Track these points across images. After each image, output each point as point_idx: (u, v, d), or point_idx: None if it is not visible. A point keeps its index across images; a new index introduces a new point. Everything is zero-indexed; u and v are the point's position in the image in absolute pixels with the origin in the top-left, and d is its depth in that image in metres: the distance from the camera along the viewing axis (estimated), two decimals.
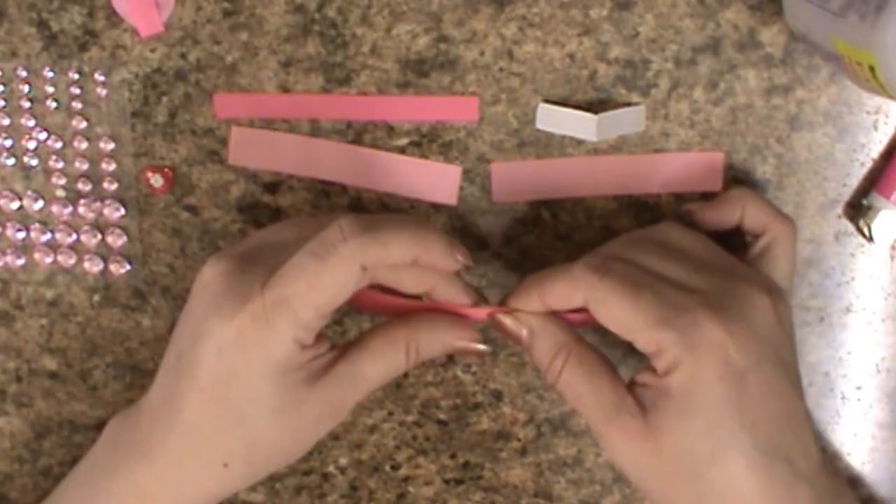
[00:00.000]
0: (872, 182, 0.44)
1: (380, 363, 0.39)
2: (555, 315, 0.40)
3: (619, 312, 0.36)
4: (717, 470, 0.35)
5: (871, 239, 0.44)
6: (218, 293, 0.37)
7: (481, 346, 0.40)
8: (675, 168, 0.44)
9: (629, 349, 0.43)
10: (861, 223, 0.44)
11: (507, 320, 0.40)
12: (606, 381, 0.38)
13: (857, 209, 0.44)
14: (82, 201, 0.46)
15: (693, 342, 0.35)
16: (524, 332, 0.39)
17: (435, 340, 0.40)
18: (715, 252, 0.39)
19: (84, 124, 0.45)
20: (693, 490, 0.36)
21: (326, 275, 0.36)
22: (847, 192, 0.45)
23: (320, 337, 0.38)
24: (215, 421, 0.37)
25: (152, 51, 0.44)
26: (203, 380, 0.37)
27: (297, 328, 0.36)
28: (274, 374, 0.37)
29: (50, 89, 0.45)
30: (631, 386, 0.38)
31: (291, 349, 0.37)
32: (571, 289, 0.38)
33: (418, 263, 0.38)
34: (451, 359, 0.47)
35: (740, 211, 0.41)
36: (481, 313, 0.40)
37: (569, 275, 0.38)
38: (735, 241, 0.42)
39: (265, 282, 0.37)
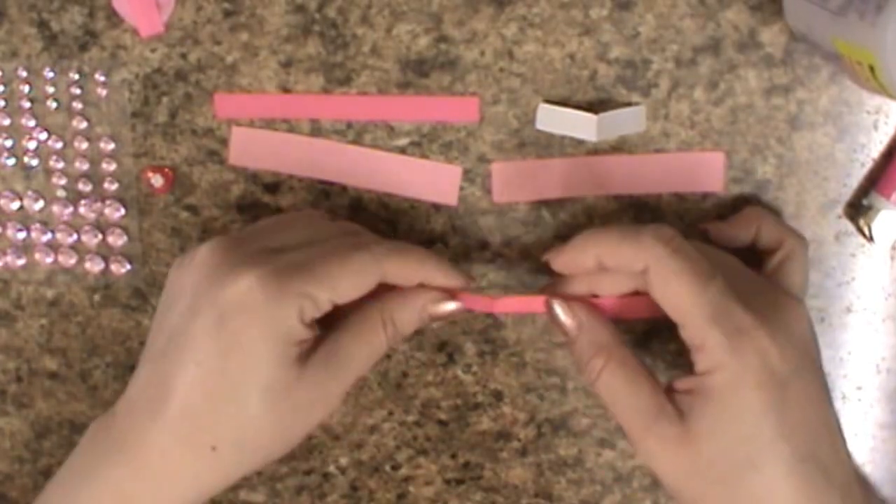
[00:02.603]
0: (873, 182, 0.44)
1: (361, 342, 0.39)
2: (595, 303, 0.40)
3: (680, 294, 0.36)
4: (755, 476, 0.35)
5: (871, 239, 0.44)
6: (218, 264, 0.37)
7: (451, 305, 0.41)
8: (675, 168, 0.44)
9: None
10: (861, 223, 0.44)
11: (559, 310, 0.40)
12: (646, 387, 0.38)
13: (858, 209, 0.44)
14: (83, 201, 0.46)
15: (739, 347, 0.35)
16: (573, 325, 0.39)
17: (407, 310, 0.40)
18: (742, 267, 0.40)
19: (84, 124, 0.45)
20: (730, 495, 0.36)
21: (354, 264, 0.38)
22: (847, 192, 0.44)
23: (312, 324, 0.38)
24: (207, 399, 0.37)
25: (153, 51, 0.44)
26: (201, 353, 0.36)
27: (306, 299, 0.37)
28: (275, 342, 0.36)
29: (50, 89, 0.45)
30: (668, 391, 0.38)
31: (294, 319, 0.37)
32: (636, 253, 0.37)
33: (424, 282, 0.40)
34: (451, 359, 0.47)
35: (755, 229, 0.42)
36: (538, 301, 0.40)
37: (637, 239, 0.37)
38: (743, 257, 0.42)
39: (273, 253, 0.37)
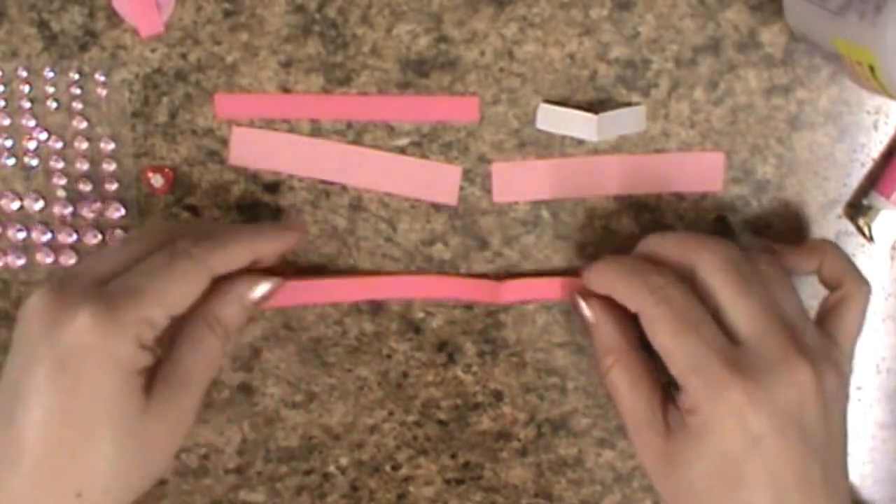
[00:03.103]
0: (872, 182, 0.44)
1: (194, 351, 0.39)
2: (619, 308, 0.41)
3: (662, 341, 0.38)
4: None
5: (871, 239, 0.44)
6: (49, 308, 0.36)
7: (269, 283, 0.41)
8: (675, 168, 0.44)
9: None
10: (861, 223, 0.44)
11: (581, 304, 0.42)
12: (645, 394, 0.40)
13: (858, 209, 0.44)
14: (83, 202, 0.46)
15: (714, 396, 0.36)
16: (591, 321, 0.42)
17: (227, 305, 0.40)
18: (788, 293, 0.39)
19: (84, 124, 0.45)
20: None
21: (178, 273, 0.37)
22: (847, 192, 0.45)
23: (153, 346, 0.38)
24: (61, 445, 0.36)
25: (153, 51, 0.44)
26: (47, 399, 0.35)
27: (142, 322, 0.36)
28: (118, 374, 0.36)
29: (50, 89, 0.45)
30: (667, 403, 0.39)
31: (134, 345, 0.36)
32: (628, 297, 0.39)
33: (259, 261, 0.41)
34: (451, 359, 0.47)
35: (819, 261, 0.42)
36: (551, 285, 0.44)
37: (630, 284, 0.39)
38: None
39: (101, 283, 0.37)
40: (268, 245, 0.41)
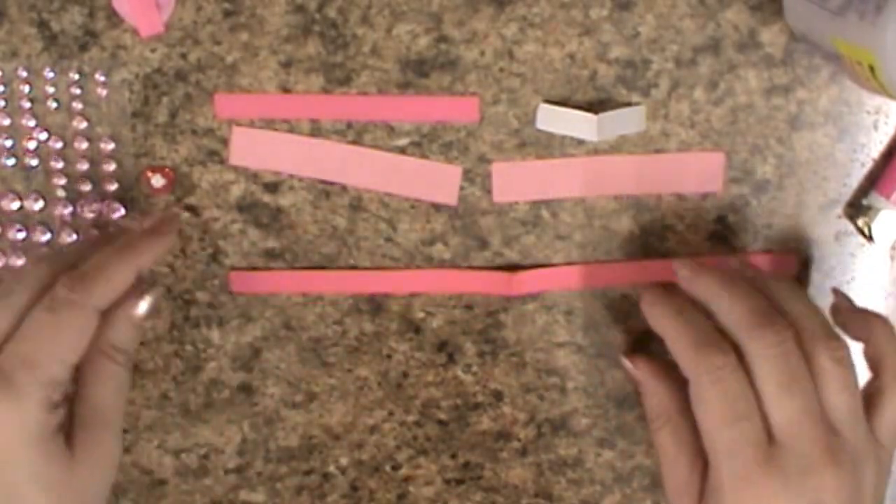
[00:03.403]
0: (872, 182, 0.44)
1: (102, 385, 0.39)
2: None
3: (704, 420, 0.38)
4: None
5: (871, 239, 0.44)
6: None
7: (151, 296, 0.40)
8: (675, 168, 0.44)
9: None
10: (861, 223, 0.44)
11: (630, 367, 0.44)
12: (688, 459, 0.40)
13: (857, 209, 0.44)
14: (83, 202, 0.46)
15: (741, 488, 0.37)
16: (640, 379, 0.43)
17: (119, 330, 0.39)
18: (839, 390, 0.38)
19: (84, 125, 0.45)
20: None
21: (64, 324, 0.36)
22: (847, 192, 0.45)
23: (61, 401, 0.37)
24: None
25: (153, 51, 0.44)
26: None
27: (45, 386, 0.36)
28: (33, 443, 0.36)
29: (50, 90, 0.45)
30: (707, 471, 0.39)
31: (43, 410, 0.36)
32: (686, 363, 0.39)
33: (146, 268, 0.40)
34: (451, 359, 0.47)
35: (865, 336, 0.41)
36: (568, 274, 0.44)
37: (692, 354, 0.39)
38: None
39: None
40: (145, 258, 0.40)
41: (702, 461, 0.40)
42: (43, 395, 0.36)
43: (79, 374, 0.39)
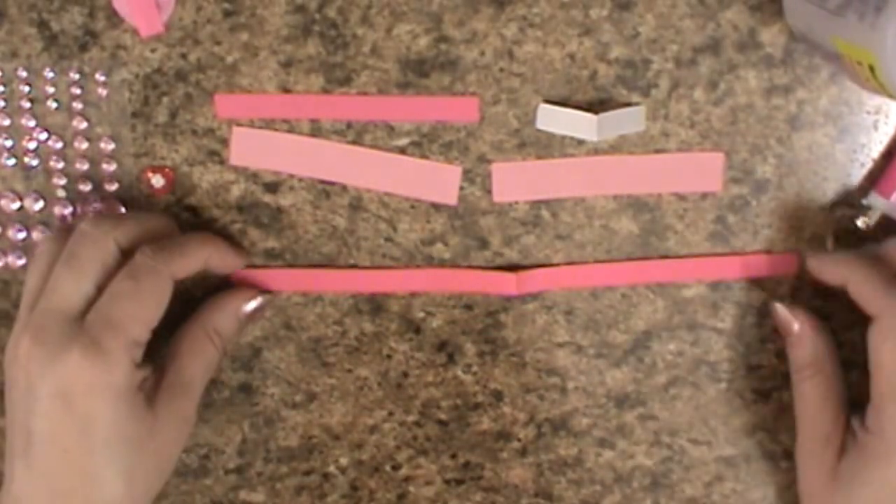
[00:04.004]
0: (872, 182, 0.44)
1: (195, 360, 0.43)
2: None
3: (886, 354, 0.38)
4: None
5: (871, 239, 0.44)
6: (35, 357, 0.38)
7: (261, 298, 0.45)
8: (674, 168, 0.44)
9: None
10: (861, 224, 0.44)
11: (786, 314, 0.43)
12: (833, 412, 0.41)
13: (857, 209, 0.44)
14: (83, 202, 0.46)
15: None
16: (795, 328, 0.43)
17: (224, 317, 0.44)
18: None
19: (84, 125, 0.45)
20: None
21: (146, 291, 0.39)
22: (848, 193, 0.44)
23: (142, 361, 0.40)
24: (84, 476, 0.38)
25: (153, 51, 0.44)
26: (61, 440, 0.38)
27: (130, 346, 0.39)
28: (121, 400, 0.38)
29: (50, 90, 0.45)
30: (848, 425, 0.40)
31: (128, 368, 0.39)
32: (873, 295, 0.39)
33: (208, 266, 0.43)
34: (451, 359, 0.47)
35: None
36: (586, 273, 0.45)
37: (881, 284, 0.39)
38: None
39: (77, 319, 0.39)
40: (217, 256, 0.43)
41: (845, 415, 0.40)
42: (127, 355, 0.38)
43: (175, 344, 0.43)
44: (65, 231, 0.42)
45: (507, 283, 0.45)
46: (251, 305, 0.45)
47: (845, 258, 0.41)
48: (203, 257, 0.42)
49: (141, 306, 0.39)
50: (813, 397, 0.41)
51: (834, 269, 0.41)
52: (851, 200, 0.45)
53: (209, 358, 0.43)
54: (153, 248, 0.40)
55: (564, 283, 0.45)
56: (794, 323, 0.43)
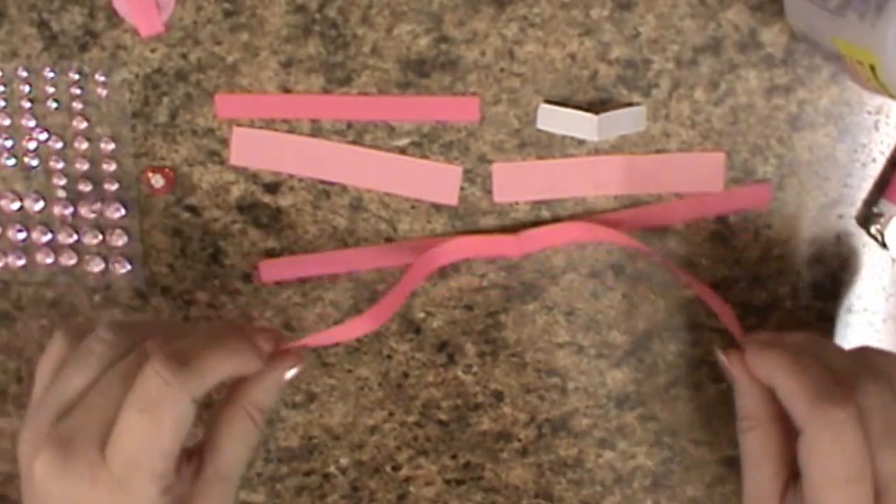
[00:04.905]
0: (881, 189, 0.44)
1: (235, 444, 0.39)
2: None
3: (820, 476, 0.36)
4: None
5: (884, 246, 0.44)
6: (60, 478, 0.35)
7: (302, 364, 0.41)
8: (675, 168, 0.44)
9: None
10: (874, 231, 0.44)
11: (727, 363, 0.40)
12: (772, 469, 0.38)
13: (868, 217, 0.44)
14: (83, 202, 0.46)
15: None
16: (735, 379, 0.40)
17: (265, 391, 0.40)
18: None
19: (85, 125, 0.45)
20: None
21: (163, 424, 0.36)
22: (848, 193, 0.44)
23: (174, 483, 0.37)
24: None
25: (153, 51, 0.44)
26: None
27: (156, 481, 0.36)
28: None
29: (50, 90, 0.45)
30: (789, 484, 0.38)
31: (157, 500, 0.36)
32: (801, 411, 0.36)
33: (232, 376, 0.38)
34: (451, 359, 0.47)
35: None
36: (569, 229, 0.43)
37: (810, 400, 0.36)
38: None
39: (102, 453, 0.36)
40: (247, 366, 0.39)
41: (785, 474, 0.38)
42: (155, 487, 0.36)
43: (214, 429, 0.39)
44: (77, 330, 0.39)
45: (511, 245, 0.44)
46: (292, 373, 0.40)
47: (773, 358, 0.38)
48: (226, 372, 0.38)
49: (161, 440, 0.36)
50: (751, 450, 0.39)
51: (764, 369, 0.39)
52: (862, 208, 0.44)
53: (251, 439, 0.39)
54: (167, 367, 0.36)
55: (567, 239, 0.45)
56: (734, 371, 0.40)
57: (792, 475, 0.38)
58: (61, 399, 0.37)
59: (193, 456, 0.39)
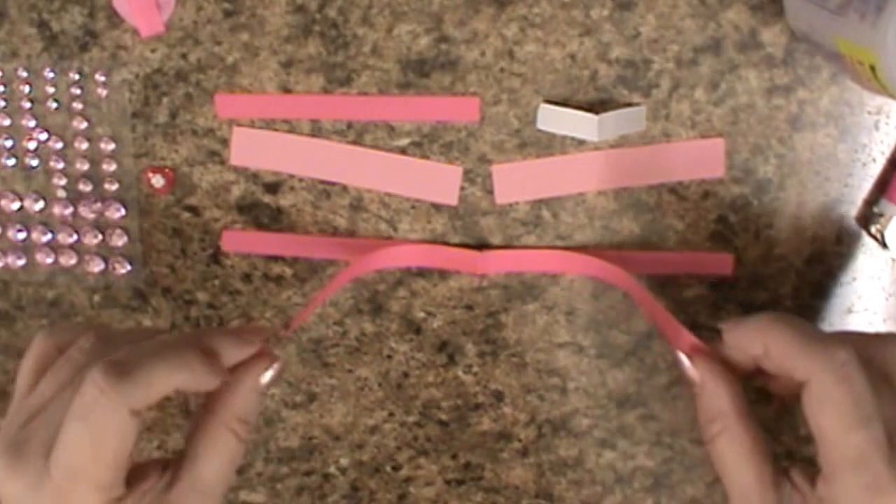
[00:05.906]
0: (882, 189, 0.44)
1: (215, 459, 0.37)
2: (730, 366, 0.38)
3: (827, 425, 0.34)
4: None
5: (885, 246, 0.44)
6: (9, 495, 0.34)
7: (277, 365, 0.39)
8: (676, 157, 0.44)
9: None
10: (874, 231, 0.44)
11: (685, 363, 0.39)
12: (755, 468, 0.36)
13: (869, 217, 0.44)
14: (83, 202, 0.46)
15: (872, 498, 0.33)
16: (696, 382, 0.38)
17: (243, 400, 0.38)
18: None
19: (85, 125, 0.45)
20: None
21: (100, 434, 0.34)
22: (849, 193, 0.44)
23: (144, 469, 0.36)
24: None
25: (153, 51, 0.44)
26: None
27: (99, 491, 0.34)
28: None
29: (50, 90, 0.45)
30: (779, 478, 0.36)
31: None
32: (804, 365, 0.35)
33: (180, 389, 0.36)
34: (451, 359, 0.47)
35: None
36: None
37: (811, 350, 0.35)
38: None
39: (48, 460, 0.34)
40: (197, 379, 0.36)
41: (770, 469, 0.36)
42: (96, 499, 0.34)
43: (191, 442, 0.37)
44: (58, 332, 0.38)
45: (473, 262, 0.45)
46: (269, 375, 0.38)
47: (762, 321, 0.37)
48: (171, 387, 0.35)
49: (99, 450, 0.34)
50: (725, 456, 0.37)
51: (753, 336, 0.37)
52: (862, 208, 0.44)
53: (233, 453, 0.37)
54: (105, 377, 0.34)
55: (531, 267, 0.45)
56: (695, 373, 0.38)
57: (776, 473, 0.37)
58: (32, 404, 0.36)
59: (170, 466, 0.37)
